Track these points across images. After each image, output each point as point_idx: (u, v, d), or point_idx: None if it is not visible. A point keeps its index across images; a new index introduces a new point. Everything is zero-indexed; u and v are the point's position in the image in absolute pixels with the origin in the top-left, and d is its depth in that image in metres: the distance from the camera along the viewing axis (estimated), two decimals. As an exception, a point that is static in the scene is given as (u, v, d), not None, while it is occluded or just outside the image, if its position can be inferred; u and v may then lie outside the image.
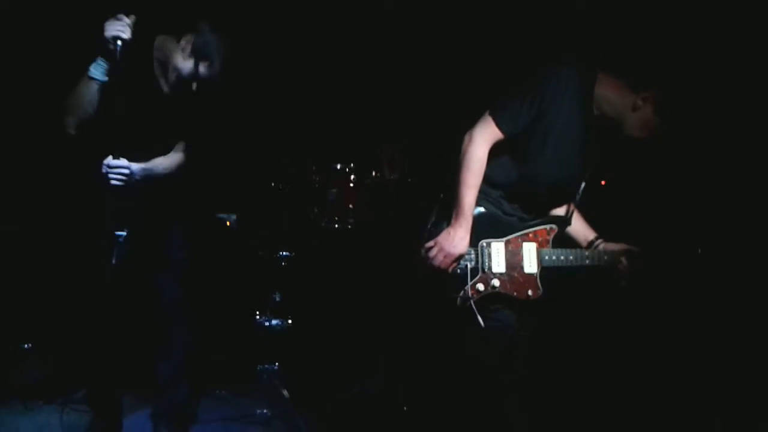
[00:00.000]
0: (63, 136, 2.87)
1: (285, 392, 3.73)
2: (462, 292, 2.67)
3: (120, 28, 2.74)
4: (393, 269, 4.09)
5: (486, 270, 2.70)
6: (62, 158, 3.54)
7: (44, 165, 3.94)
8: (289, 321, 3.89)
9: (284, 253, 4.00)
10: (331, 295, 4.29)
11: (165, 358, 3.22)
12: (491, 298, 2.69)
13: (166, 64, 2.98)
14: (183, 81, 2.97)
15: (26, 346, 3.86)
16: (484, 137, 2.69)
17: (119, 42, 2.74)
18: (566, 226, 2.87)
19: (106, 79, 2.79)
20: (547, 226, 2.79)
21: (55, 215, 3.88)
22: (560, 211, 2.93)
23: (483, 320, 2.63)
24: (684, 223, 3.52)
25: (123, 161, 2.80)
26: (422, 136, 4.50)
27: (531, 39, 4.11)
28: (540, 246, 2.76)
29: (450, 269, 2.67)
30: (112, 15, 2.76)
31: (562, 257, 2.77)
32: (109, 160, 2.78)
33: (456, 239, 2.65)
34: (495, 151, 2.72)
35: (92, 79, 2.79)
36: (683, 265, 2.82)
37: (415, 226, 3.85)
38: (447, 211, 2.72)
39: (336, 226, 4.18)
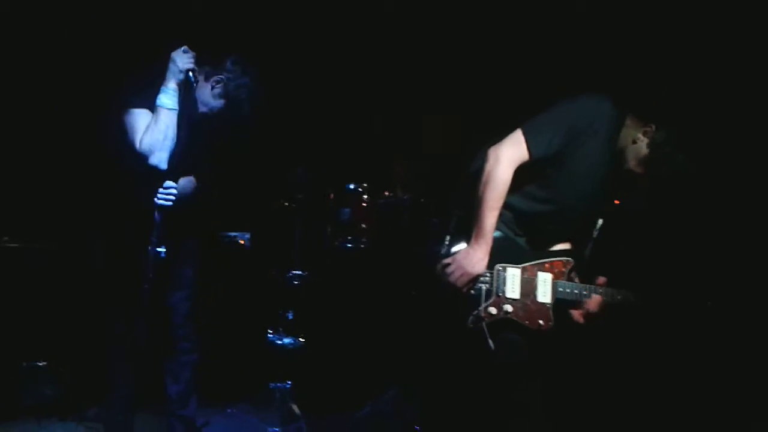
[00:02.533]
0: (154, 172, 2.88)
1: (297, 410, 3.71)
2: (475, 313, 2.66)
3: (190, 60, 2.87)
4: (405, 288, 4.09)
5: (500, 294, 2.68)
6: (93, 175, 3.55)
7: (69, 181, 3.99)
8: (302, 339, 3.89)
9: (297, 271, 4.01)
10: (344, 313, 4.29)
11: (177, 376, 3.23)
12: (503, 323, 2.67)
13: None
14: (207, 117, 3.07)
15: (40, 363, 3.86)
16: (511, 158, 2.64)
17: (191, 74, 2.88)
18: (582, 264, 2.82)
19: (176, 107, 2.88)
20: (564, 259, 2.76)
21: (71, 232, 3.91)
22: (577, 248, 2.88)
23: (493, 343, 2.61)
24: (689, 269, 3.48)
25: (173, 183, 2.85)
26: (434, 156, 4.52)
27: (539, 54, 4.13)
28: (555, 277, 2.73)
29: (465, 289, 2.66)
30: (178, 47, 2.88)
31: (576, 291, 2.74)
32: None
33: (475, 259, 2.63)
34: (516, 177, 2.67)
35: (171, 110, 2.87)
36: (688, 315, 2.78)
37: (427, 242, 3.90)
38: (464, 228, 2.70)
39: (349, 245, 4.19)
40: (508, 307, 2.68)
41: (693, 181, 2.69)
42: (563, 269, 2.76)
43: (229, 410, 3.91)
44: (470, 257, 2.63)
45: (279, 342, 3.87)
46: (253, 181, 4.63)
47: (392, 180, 4.49)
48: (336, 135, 4.83)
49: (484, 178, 2.65)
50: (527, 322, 2.69)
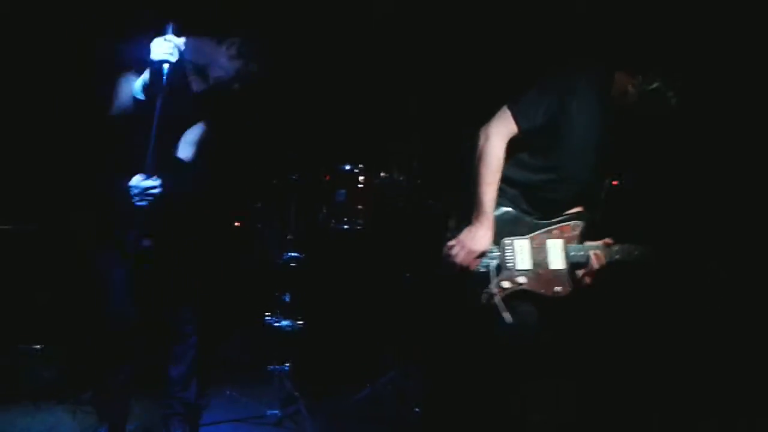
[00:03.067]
0: (102, 114, 2.86)
1: (295, 392, 3.73)
2: (487, 290, 2.67)
3: (168, 51, 2.72)
4: (404, 269, 4.11)
5: (510, 267, 2.70)
6: (87, 158, 3.50)
7: (65, 164, 3.94)
8: (300, 322, 3.89)
9: (293, 253, 4.00)
10: (341, 295, 4.30)
11: (178, 359, 3.23)
12: (515, 295, 2.68)
13: (204, 66, 3.02)
14: (225, 81, 3.03)
15: (37, 346, 3.85)
16: (500, 133, 2.69)
17: (165, 66, 2.72)
18: (592, 224, 2.82)
19: (143, 97, 2.77)
20: (572, 222, 2.77)
21: (67, 214, 3.86)
22: (591, 209, 2.88)
23: (510, 316, 2.62)
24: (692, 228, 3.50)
25: (153, 181, 2.76)
26: (429, 136, 4.50)
27: (535, 37, 4.10)
28: (567, 242, 2.74)
29: (472, 267, 2.67)
30: (160, 35, 2.73)
31: (589, 253, 2.73)
32: (139, 181, 2.75)
33: (477, 236, 2.65)
34: (511, 150, 2.72)
35: (136, 98, 2.78)
36: (693, 270, 2.79)
37: (426, 226, 3.91)
38: (467, 213, 2.72)
39: (345, 226, 4.18)
40: (521, 279, 2.69)
41: (687, 117, 2.68)
42: (573, 232, 2.76)
43: (227, 392, 3.91)
44: (473, 234, 2.66)
45: (277, 324, 3.87)
46: (248, 162, 4.60)
47: (387, 160, 4.47)
48: (331, 115, 4.79)
49: (477, 156, 2.69)
50: (543, 290, 2.70)
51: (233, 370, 4.18)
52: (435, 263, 2.82)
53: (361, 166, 4.27)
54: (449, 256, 2.69)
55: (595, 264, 2.71)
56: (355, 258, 4.32)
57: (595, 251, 2.72)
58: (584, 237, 2.78)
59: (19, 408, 3.63)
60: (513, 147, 2.72)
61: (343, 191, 4.25)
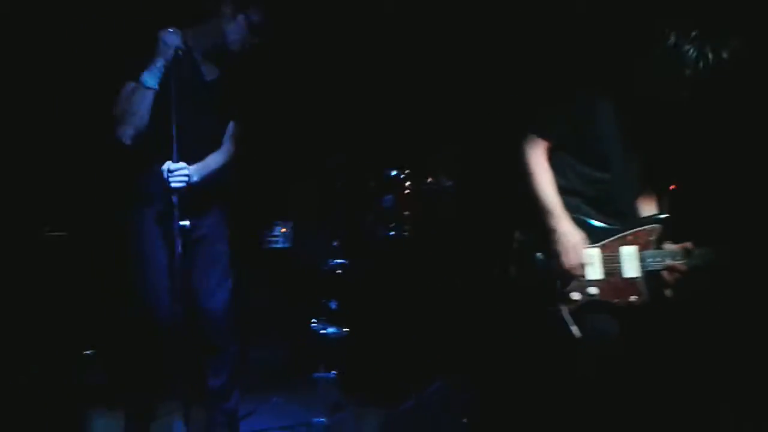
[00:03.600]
0: (118, 146, 2.91)
1: (342, 400, 3.70)
2: (556, 303, 2.59)
3: (178, 39, 2.82)
4: (451, 276, 4.05)
5: (580, 278, 2.61)
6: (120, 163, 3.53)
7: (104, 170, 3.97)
8: (346, 329, 3.86)
9: (339, 260, 3.97)
10: (387, 302, 4.25)
11: (217, 371, 3.21)
12: (590, 305, 2.60)
13: (212, 50, 3.05)
14: (237, 53, 3.06)
15: (89, 351, 3.89)
16: (534, 152, 2.70)
17: (180, 52, 2.82)
18: (670, 225, 2.70)
19: (157, 87, 2.84)
20: (649, 227, 2.66)
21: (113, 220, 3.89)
22: (658, 209, 2.80)
23: (578, 330, 2.55)
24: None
25: (182, 164, 2.84)
26: (476, 141, 4.43)
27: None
28: (642, 248, 2.63)
29: (582, 265, 2.59)
30: (163, 28, 2.84)
31: (668, 261, 2.62)
32: (169, 164, 2.81)
33: (565, 235, 2.58)
34: (558, 162, 2.70)
35: (148, 88, 2.83)
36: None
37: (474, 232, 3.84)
38: (534, 224, 2.69)
39: (392, 233, 4.13)
40: (592, 290, 2.60)
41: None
42: (650, 237, 2.64)
43: (273, 399, 3.90)
44: (560, 237, 2.58)
45: (323, 332, 3.84)
46: (293, 168, 4.60)
47: (434, 166, 4.41)
48: (377, 119, 4.76)
49: (527, 179, 2.68)
50: (617, 300, 2.60)
51: (279, 377, 4.17)
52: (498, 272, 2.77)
53: (407, 171, 4.22)
54: (558, 269, 2.60)
55: (672, 274, 2.62)
56: (402, 265, 4.26)
57: (673, 259, 2.62)
58: (662, 241, 2.67)
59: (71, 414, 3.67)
60: (558, 159, 2.71)
61: (389, 197, 4.21)
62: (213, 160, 3.09)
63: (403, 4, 4.48)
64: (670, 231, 2.72)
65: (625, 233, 2.66)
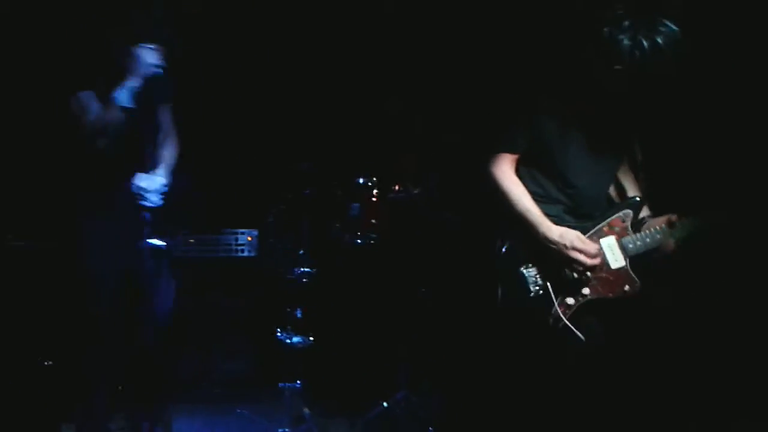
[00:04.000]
0: (95, 155, 2.95)
1: (306, 410, 3.65)
2: (552, 313, 2.54)
3: (159, 57, 2.90)
4: (418, 284, 4.02)
5: (570, 281, 2.58)
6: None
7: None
8: (311, 338, 3.81)
9: (306, 268, 3.94)
10: (354, 311, 4.22)
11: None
12: (586, 306, 2.57)
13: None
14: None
15: (46, 363, 3.80)
16: (501, 164, 2.69)
17: (159, 68, 2.90)
18: (641, 206, 2.70)
19: (131, 105, 2.90)
20: (621, 213, 2.65)
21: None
22: (632, 192, 2.79)
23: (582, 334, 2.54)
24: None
25: (157, 177, 2.93)
26: (440, 148, 4.42)
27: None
28: (619, 236, 2.62)
29: (595, 249, 2.57)
30: (145, 46, 2.88)
31: (648, 240, 2.60)
32: (141, 178, 2.88)
33: (564, 237, 2.55)
34: (526, 174, 2.70)
35: (124, 107, 2.89)
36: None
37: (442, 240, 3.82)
38: (510, 234, 2.67)
39: (358, 241, 4.10)
40: (585, 290, 2.57)
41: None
42: (623, 224, 2.63)
43: (238, 410, 3.84)
44: (558, 242, 2.55)
45: (288, 341, 3.79)
46: (259, 176, 4.57)
47: (400, 174, 4.39)
48: (343, 128, 4.74)
49: (499, 194, 2.66)
50: (611, 294, 2.58)
51: (243, 387, 4.12)
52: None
53: (374, 179, 4.20)
54: (572, 270, 2.57)
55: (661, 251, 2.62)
56: (369, 273, 4.24)
57: (655, 236, 2.61)
58: (640, 223, 2.66)
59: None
60: (527, 172, 2.71)
61: (356, 205, 4.18)
62: (169, 156, 3.12)
63: (368, 13, 4.49)
64: (645, 210, 2.73)
65: (600, 225, 2.65)
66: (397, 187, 4.22)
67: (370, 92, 4.69)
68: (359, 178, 4.19)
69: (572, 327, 2.51)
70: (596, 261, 2.55)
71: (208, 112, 4.43)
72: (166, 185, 2.96)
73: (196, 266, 4.18)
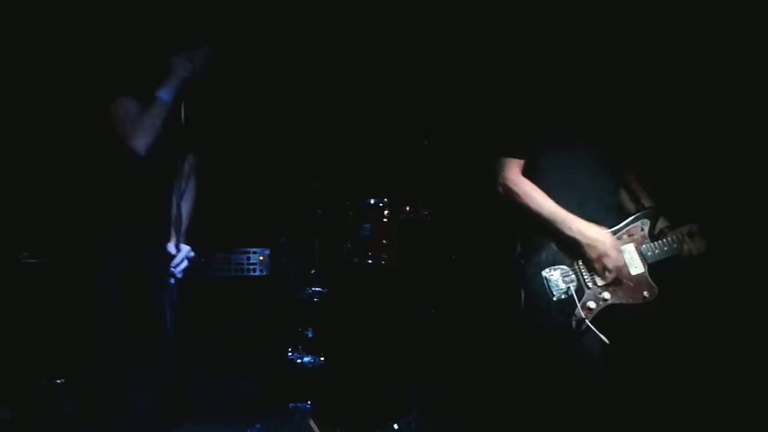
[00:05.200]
0: (131, 157, 2.94)
1: (317, 430, 3.65)
2: (575, 316, 2.58)
3: (189, 67, 2.97)
4: (428, 305, 4.03)
5: (591, 286, 2.63)
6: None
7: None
8: (322, 358, 3.82)
9: (317, 288, 3.95)
10: (365, 331, 4.23)
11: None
12: (606, 311, 2.61)
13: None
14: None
15: (58, 381, 3.82)
16: (511, 170, 2.72)
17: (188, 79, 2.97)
18: (658, 215, 2.77)
19: (170, 103, 2.94)
20: (640, 222, 2.71)
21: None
22: (646, 201, 2.85)
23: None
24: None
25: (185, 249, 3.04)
26: (451, 167, 4.44)
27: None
28: (638, 244, 2.69)
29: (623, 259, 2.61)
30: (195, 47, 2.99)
31: (665, 249, 2.68)
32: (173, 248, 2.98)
33: (594, 237, 2.59)
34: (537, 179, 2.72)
35: (166, 103, 2.94)
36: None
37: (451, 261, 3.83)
38: (529, 240, 2.70)
39: (369, 261, 4.12)
40: (606, 295, 2.62)
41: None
42: (643, 232, 2.70)
43: (248, 430, 3.83)
44: (591, 241, 2.59)
45: (299, 361, 3.80)
46: (271, 196, 4.59)
47: (413, 194, 4.40)
48: (355, 148, 4.77)
49: (519, 201, 2.69)
50: (631, 300, 2.63)
51: (254, 407, 4.11)
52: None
53: (385, 200, 4.22)
54: (604, 275, 2.60)
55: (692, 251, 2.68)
56: (379, 293, 4.25)
57: (672, 244, 2.67)
58: (658, 232, 2.73)
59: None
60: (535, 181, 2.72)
61: (367, 226, 4.20)
62: (186, 210, 3.19)
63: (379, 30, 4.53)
64: (662, 220, 2.78)
65: (620, 232, 2.70)
66: (408, 208, 4.24)
67: (382, 112, 4.71)
68: (370, 198, 4.22)
69: (595, 329, 2.55)
70: (618, 268, 2.61)
71: (219, 131, 4.46)
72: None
73: (207, 285, 4.18)
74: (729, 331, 3.22)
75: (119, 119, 2.96)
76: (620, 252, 2.62)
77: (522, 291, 2.67)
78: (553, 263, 2.65)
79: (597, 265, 2.59)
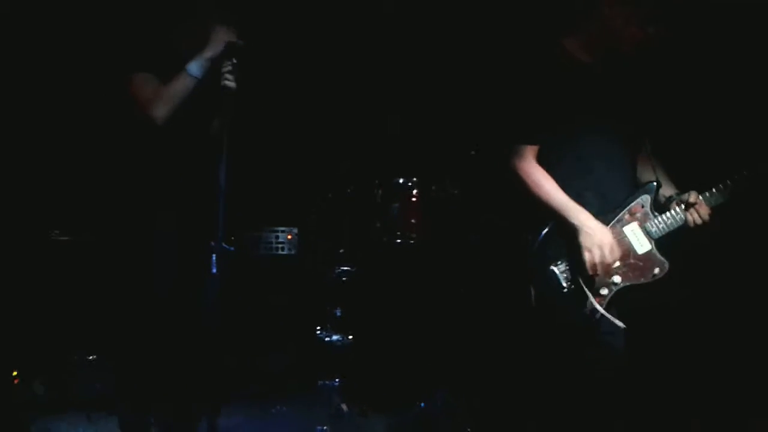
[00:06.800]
0: (148, 126, 2.84)
1: (345, 408, 3.66)
2: (588, 305, 2.57)
3: (232, 35, 2.82)
4: (455, 285, 4.01)
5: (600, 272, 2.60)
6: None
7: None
8: (350, 337, 3.83)
9: (345, 267, 3.95)
10: (393, 310, 4.22)
11: None
12: (618, 294, 2.61)
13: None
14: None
15: (90, 357, 3.87)
16: (525, 157, 2.68)
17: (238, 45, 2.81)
18: (659, 188, 2.73)
19: (200, 77, 2.82)
20: (640, 199, 2.68)
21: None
22: (648, 176, 2.81)
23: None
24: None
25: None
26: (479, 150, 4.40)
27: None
28: (641, 222, 2.67)
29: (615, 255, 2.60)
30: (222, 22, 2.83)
31: (669, 221, 2.66)
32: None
33: (595, 232, 2.57)
34: (549, 166, 2.69)
35: (193, 77, 2.81)
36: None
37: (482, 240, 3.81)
38: (542, 233, 2.68)
39: (398, 241, 4.10)
40: (616, 278, 2.61)
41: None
42: (644, 209, 2.67)
43: (277, 407, 3.86)
44: (590, 234, 2.57)
45: (327, 339, 3.82)
46: (300, 174, 4.59)
47: (441, 173, 4.37)
48: (383, 127, 4.75)
49: (529, 189, 2.66)
50: (642, 279, 2.62)
51: (282, 384, 4.13)
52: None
53: (415, 179, 4.20)
54: (593, 265, 2.58)
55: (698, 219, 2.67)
56: (408, 273, 4.23)
57: (677, 216, 2.67)
58: (660, 205, 2.72)
59: (71, 418, 3.66)
60: (548, 164, 2.70)
61: (396, 205, 4.18)
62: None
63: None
64: (671, 188, 2.78)
65: (620, 214, 2.68)
66: (434, 187, 4.21)
67: (410, 92, 4.69)
68: (399, 178, 4.20)
69: (609, 316, 2.54)
70: (607, 264, 2.58)
71: (248, 109, 4.46)
72: None
73: (236, 264, 4.20)
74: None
75: (138, 90, 2.88)
76: (613, 252, 2.58)
77: (532, 286, 2.66)
78: (560, 255, 2.64)
79: (587, 255, 2.55)
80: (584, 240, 2.57)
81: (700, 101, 3.52)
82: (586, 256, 2.56)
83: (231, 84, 2.79)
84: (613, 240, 2.59)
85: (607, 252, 2.56)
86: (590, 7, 2.64)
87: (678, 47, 3.06)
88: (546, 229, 2.66)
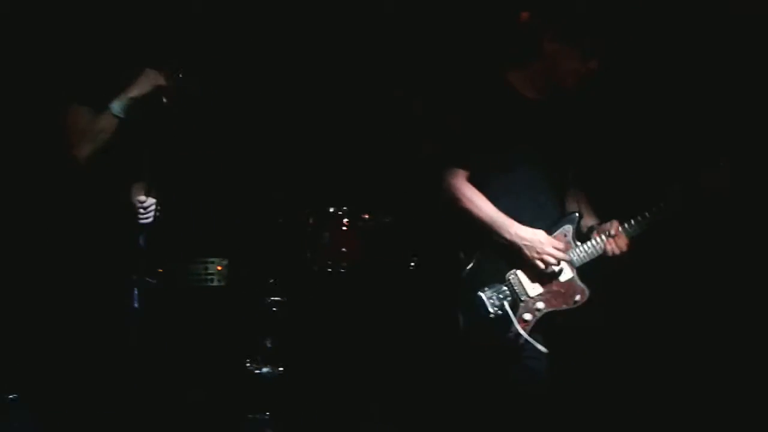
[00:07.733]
0: (71, 165, 2.88)
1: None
2: (512, 330, 2.62)
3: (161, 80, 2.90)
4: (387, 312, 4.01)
5: (525, 298, 2.68)
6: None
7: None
8: (281, 368, 3.78)
9: (276, 297, 3.91)
10: (325, 341, 4.19)
11: None
12: (541, 321, 2.69)
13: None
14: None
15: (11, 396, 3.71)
16: (456, 175, 2.76)
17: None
18: (581, 219, 2.85)
19: (123, 116, 2.86)
20: (562, 229, 2.77)
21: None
22: (572, 206, 2.93)
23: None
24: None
25: (152, 199, 2.91)
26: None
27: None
28: (563, 251, 2.74)
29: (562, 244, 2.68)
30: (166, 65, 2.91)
31: (590, 250, 2.76)
32: (142, 197, 2.87)
33: (533, 238, 2.65)
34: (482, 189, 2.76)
35: (115, 116, 2.85)
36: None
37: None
38: (472, 257, 2.75)
39: (329, 270, 4.09)
40: (540, 305, 2.69)
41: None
42: (566, 238, 2.77)
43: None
44: (528, 243, 2.66)
45: (257, 371, 3.76)
46: (230, 204, 4.53)
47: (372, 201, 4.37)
48: (315, 156, 4.74)
49: (460, 205, 2.74)
50: (564, 306, 2.72)
51: (211, 419, 4.04)
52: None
53: (345, 208, 4.20)
54: (541, 267, 2.66)
55: (616, 249, 2.76)
56: (339, 302, 4.21)
57: (598, 244, 2.76)
58: (582, 235, 2.82)
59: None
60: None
61: (327, 234, 4.17)
62: None
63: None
64: (592, 219, 2.91)
65: None
66: (366, 216, 4.22)
67: (342, 120, 4.69)
68: (329, 206, 4.19)
69: (533, 341, 2.64)
70: (566, 256, 2.68)
71: (178, 137, 4.40)
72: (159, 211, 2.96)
73: (162, 297, 4.10)
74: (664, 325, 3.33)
75: (71, 123, 2.90)
76: (559, 246, 2.69)
77: (459, 311, 2.74)
78: (488, 282, 2.71)
79: (539, 264, 2.64)
80: (527, 252, 2.66)
81: (626, 131, 3.62)
82: (537, 264, 2.63)
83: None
84: (550, 238, 2.65)
85: (551, 249, 2.65)
86: (533, 43, 2.71)
87: (612, 78, 3.15)
88: (476, 256, 2.71)
